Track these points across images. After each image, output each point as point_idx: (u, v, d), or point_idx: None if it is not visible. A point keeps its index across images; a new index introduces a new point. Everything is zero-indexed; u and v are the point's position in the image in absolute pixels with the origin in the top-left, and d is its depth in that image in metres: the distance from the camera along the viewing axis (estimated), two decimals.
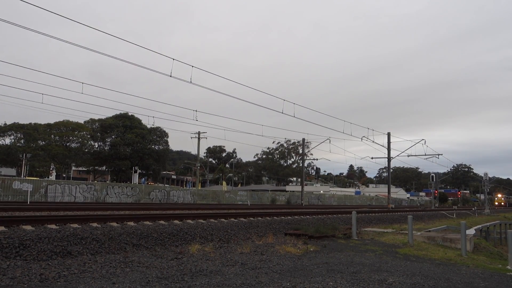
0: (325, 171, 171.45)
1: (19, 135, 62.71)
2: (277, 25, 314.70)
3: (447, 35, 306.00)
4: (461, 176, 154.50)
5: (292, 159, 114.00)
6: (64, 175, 71.65)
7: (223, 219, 15.54)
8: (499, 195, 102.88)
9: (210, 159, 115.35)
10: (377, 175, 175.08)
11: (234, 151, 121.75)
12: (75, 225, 10.71)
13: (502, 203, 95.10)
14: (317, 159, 72.37)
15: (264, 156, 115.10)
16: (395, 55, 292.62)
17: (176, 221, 13.51)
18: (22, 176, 52.20)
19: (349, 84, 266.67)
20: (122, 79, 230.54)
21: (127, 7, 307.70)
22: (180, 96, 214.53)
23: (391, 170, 45.64)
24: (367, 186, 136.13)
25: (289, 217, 19.19)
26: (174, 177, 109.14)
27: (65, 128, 65.40)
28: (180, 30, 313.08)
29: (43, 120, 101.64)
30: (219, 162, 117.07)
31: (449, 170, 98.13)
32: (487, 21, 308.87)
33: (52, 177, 63.16)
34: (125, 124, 69.71)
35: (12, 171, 66.23)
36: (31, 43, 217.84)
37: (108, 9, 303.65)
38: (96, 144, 71.35)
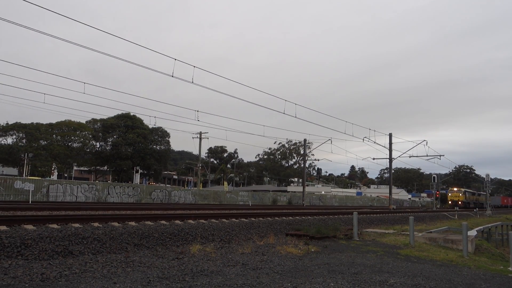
0: (326, 172, 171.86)
1: (21, 134, 62.81)
2: (277, 22, 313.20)
3: (453, 31, 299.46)
4: (462, 177, 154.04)
5: (294, 160, 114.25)
6: (66, 175, 71.82)
7: (224, 220, 15.53)
8: (455, 189, 70.80)
9: (212, 160, 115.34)
10: (379, 176, 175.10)
11: (235, 152, 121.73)
12: (77, 225, 10.72)
13: (459, 202, 63.34)
14: (318, 160, 72.99)
15: (265, 157, 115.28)
16: (398, 53, 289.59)
17: (177, 221, 13.50)
18: (24, 175, 52.28)
19: (351, 83, 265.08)
20: (120, 77, 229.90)
21: (123, 4, 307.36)
22: (181, 95, 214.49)
23: (393, 171, 45.60)
24: (369, 187, 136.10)
25: (290, 217, 19.16)
26: (175, 177, 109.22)
27: (67, 128, 65.55)
28: (178, 27, 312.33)
29: (44, 120, 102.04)
30: (221, 162, 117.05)
31: (450, 171, 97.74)
32: (495, 17, 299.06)
33: (54, 176, 63.28)
34: (126, 124, 69.81)
35: (14, 171, 66.42)
36: (27, 40, 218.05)
37: (104, 5, 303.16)
38: (97, 144, 71.51)
